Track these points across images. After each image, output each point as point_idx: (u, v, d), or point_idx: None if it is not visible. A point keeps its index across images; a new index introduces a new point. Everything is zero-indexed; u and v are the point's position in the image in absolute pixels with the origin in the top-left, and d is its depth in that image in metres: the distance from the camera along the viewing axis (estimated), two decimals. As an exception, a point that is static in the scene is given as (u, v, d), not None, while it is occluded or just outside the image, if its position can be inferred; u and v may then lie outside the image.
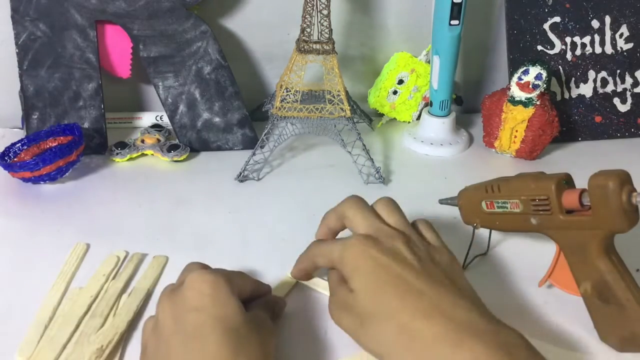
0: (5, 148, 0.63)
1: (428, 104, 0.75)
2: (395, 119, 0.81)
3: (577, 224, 0.42)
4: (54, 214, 0.57)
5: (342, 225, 0.45)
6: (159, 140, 0.69)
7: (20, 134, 0.69)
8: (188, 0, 0.66)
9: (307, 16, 0.61)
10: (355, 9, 0.76)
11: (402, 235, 0.41)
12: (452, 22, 0.66)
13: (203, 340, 0.34)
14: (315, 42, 0.63)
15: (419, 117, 0.78)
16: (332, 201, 0.47)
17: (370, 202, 0.45)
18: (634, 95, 0.77)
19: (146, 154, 0.69)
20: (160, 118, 0.75)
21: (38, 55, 0.65)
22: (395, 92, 0.78)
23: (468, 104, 0.84)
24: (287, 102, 0.63)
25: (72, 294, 0.46)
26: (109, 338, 0.42)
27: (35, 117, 0.67)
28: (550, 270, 0.47)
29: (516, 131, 0.69)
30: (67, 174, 0.62)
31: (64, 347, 0.41)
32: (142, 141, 0.69)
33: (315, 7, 0.61)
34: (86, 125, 0.68)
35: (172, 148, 0.68)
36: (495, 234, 0.54)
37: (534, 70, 0.66)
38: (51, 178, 0.61)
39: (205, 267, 0.40)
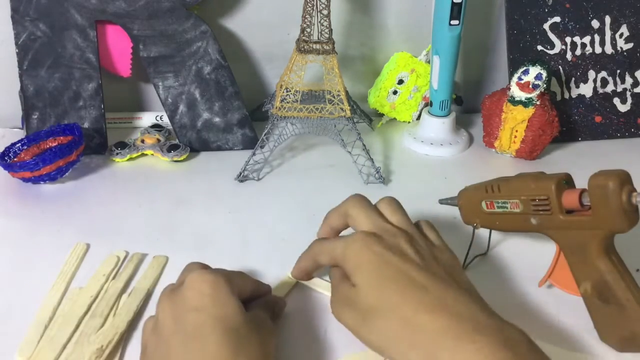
0: (5, 148, 0.63)
1: (428, 104, 0.75)
2: (395, 119, 0.81)
3: (577, 224, 0.42)
4: (54, 214, 0.57)
5: (345, 224, 0.45)
6: (159, 140, 0.69)
7: (20, 134, 0.69)
8: (188, 0, 0.66)
9: (307, 16, 0.61)
10: (355, 9, 0.76)
11: (405, 233, 0.41)
12: (452, 22, 0.66)
13: (203, 340, 0.34)
14: (315, 42, 0.63)
15: (419, 117, 0.78)
16: (332, 201, 0.47)
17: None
18: (634, 95, 0.77)
19: (146, 154, 0.69)
20: (160, 118, 0.75)
21: (38, 55, 0.65)
22: (395, 92, 0.78)
23: (468, 104, 0.84)
24: (287, 102, 0.63)
25: (72, 294, 0.46)
26: (109, 338, 0.42)
27: (35, 117, 0.67)
28: (550, 270, 0.47)
29: (516, 131, 0.69)
30: (67, 174, 0.62)
31: (64, 347, 0.41)
32: (142, 141, 0.69)
33: (315, 7, 0.61)
34: (86, 125, 0.68)
35: (172, 148, 0.68)
36: (495, 234, 0.54)
37: (534, 70, 0.66)
38: (51, 178, 0.61)
39: (205, 267, 0.40)
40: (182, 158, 0.68)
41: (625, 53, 0.76)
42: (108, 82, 0.70)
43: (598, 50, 0.76)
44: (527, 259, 0.52)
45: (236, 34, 0.75)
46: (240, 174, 0.64)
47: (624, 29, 0.76)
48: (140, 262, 0.51)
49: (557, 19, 0.75)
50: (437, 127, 0.74)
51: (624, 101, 0.77)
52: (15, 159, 0.63)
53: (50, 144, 0.65)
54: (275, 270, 0.50)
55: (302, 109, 0.64)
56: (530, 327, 0.36)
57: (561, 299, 0.47)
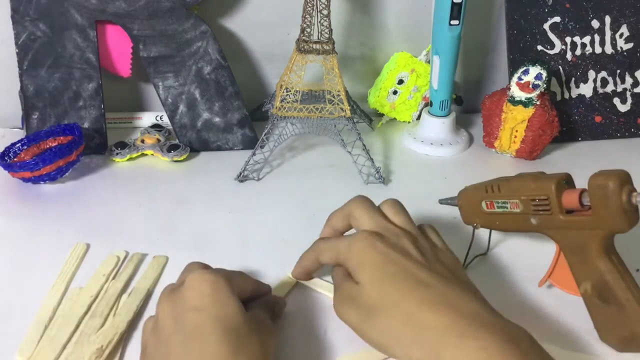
0: (5, 148, 0.63)
1: (428, 104, 0.75)
2: (395, 119, 0.81)
3: (577, 224, 0.42)
4: (54, 214, 0.57)
5: (348, 225, 0.45)
6: (159, 140, 0.69)
7: (20, 134, 0.69)
8: (188, 0, 0.66)
9: (307, 16, 0.61)
10: (355, 9, 0.76)
11: (408, 234, 0.41)
12: (452, 22, 0.66)
13: (203, 340, 0.34)
14: (315, 42, 0.63)
15: (419, 117, 0.78)
16: (332, 201, 0.47)
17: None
18: (634, 95, 0.77)
19: (146, 154, 0.69)
20: (160, 118, 0.75)
21: (38, 55, 0.65)
22: (395, 92, 0.78)
23: (468, 104, 0.84)
24: (287, 102, 0.63)
25: (72, 294, 0.46)
26: (109, 338, 0.42)
27: (35, 117, 0.67)
28: (550, 270, 0.47)
29: (516, 131, 0.69)
30: (67, 174, 0.62)
31: (64, 347, 0.41)
32: (142, 141, 0.69)
33: (315, 7, 0.61)
34: (86, 125, 0.68)
35: (172, 148, 0.68)
36: (495, 234, 0.54)
37: (534, 70, 0.66)
38: (51, 178, 0.61)
39: (205, 267, 0.40)
40: (182, 158, 0.68)
41: (625, 53, 0.76)
42: (108, 82, 0.70)
43: (598, 50, 0.76)
44: (527, 259, 0.52)
45: (236, 34, 0.75)
46: (240, 174, 0.64)
47: (624, 29, 0.76)
48: (140, 262, 0.51)
49: (557, 19, 0.75)
50: (437, 127, 0.74)
51: (624, 101, 0.77)
52: (15, 159, 0.63)
53: (50, 144, 0.65)
54: (275, 270, 0.50)
55: (302, 109, 0.64)
56: (530, 327, 0.36)
57: (561, 299, 0.47)
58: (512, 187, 0.46)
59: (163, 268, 0.50)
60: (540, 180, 0.44)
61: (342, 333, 0.42)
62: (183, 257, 0.48)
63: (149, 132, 0.71)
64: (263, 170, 0.66)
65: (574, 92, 0.76)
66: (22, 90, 0.66)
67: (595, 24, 0.76)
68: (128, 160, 0.67)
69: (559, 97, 0.76)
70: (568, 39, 0.75)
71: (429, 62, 0.76)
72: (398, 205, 0.44)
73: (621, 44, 0.76)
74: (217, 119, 0.70)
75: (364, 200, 0.44)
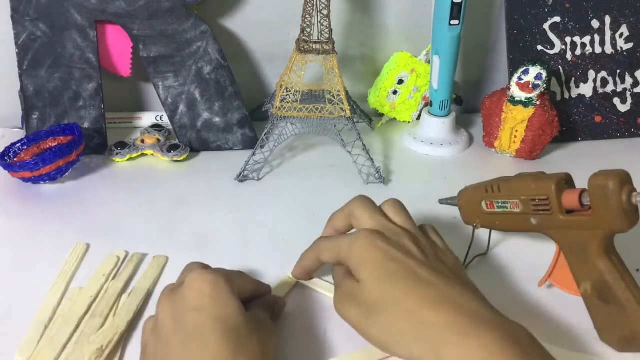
0: (5, 148, 0.63)
1: (428, 104, 0.75)
2: (395, 119, 0.81)
3: (577, 224, 0.42)
4: (54, 214, 0.57)
5: (349, 225, 0.45)
6: (159, 140, 0.69)
7: (20, 134, 0.69)
8: (188, 0, 0.66)
9: (307, 16, 0.61)
10: (355, 9, 0.76)
11: (409, 233, 0.42)
12: (452, 22, 0.66)
13: (203, 340, 0.34)
14: (315, 42, 0.63)
15: (419, 117, 0.78)
16: (332, 201, 0.47)
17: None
18: (634, 95, 0.77)
19: (146, 154, 0.69)
20: (160, 118, 0.75)
21: (38, 55, 0.65)
22: (395, 92, 0.78)
23: (468, 104, 0.84)
24: (287, 102, 0.63)
25: (72, 294, 0.46)
26: (109, 338, 0.42)
27: (35, 117, 0.67)
28: (550, 270, 0.47)
29: (516, 131, 0.69)
30: (67, 174, 0.62)
31: (64, 347, 0.41)
32: (142, 141, 0.69)
33: (315, 7, 0.61)
34: (86, 125, 0.68)
35: (172, 148, 0.68)
36: (495, 234, 0.54)
37: (534, 70, 0.66)
38: (51, 178, 0.61)
39: (205, 267, 0.40)
40: (182, 158, 0.68)
41: (625, 53, 0.76)
42: (108, 82, 0.70)
43: (598, 50, 0.76)
44: (527, 259, 0.52)
45: (236, 34, 0.75)
46: (240, 174, 0.64)
47: (624, 29, 0.76)
48: (140, 262, 0.51)
49: (557, 19, 0.75)
50: (437, 127, 0.74)
51: (624, 101, 0.77)
52: (15, 159, 0.63)
53: (50, 144, 0.65)
54: (275, 270, 0.50)
55: (302, 109, 0.64)
56: (530, 327, 0.36)
57: (561, 299, 0.47)
58: (512, 187, 0.46)
59: (163, 268, 0.50)
60: (540, 180, 0.44)
61: (342, 333, 0.42)
62: (183, 257, 0.48)
63: (149, 132, 0.71)
64: (263, 170, 0.66)
65: (574, 92, 0.76)
66: (22, 90, 0.66)
67: (595, 24, 0.76)
68: (128, 160, 0.67)
69: (559, 97, 0.76)
70: (568, 39, 0.75)
71: (429, 62, 0.76)
72: (399, 205, 0.45)
73: (621, 44, 0.76)
74: (217, 119, 0.70)
75: (365, 200, 0.44)
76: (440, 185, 0.65)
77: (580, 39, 0.75)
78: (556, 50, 0.75)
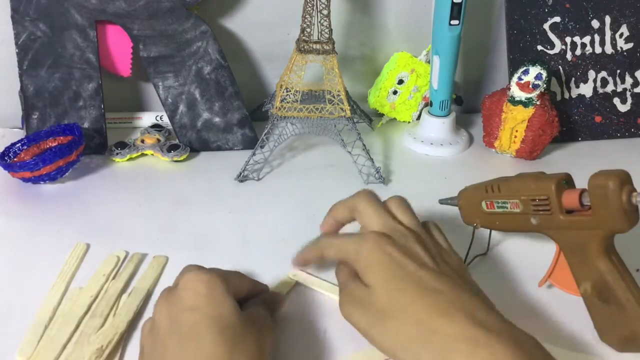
0: (5, 148, 0.63)
1: (428, 104, 0.75)
2: (395, 119, 0.81)
3: (577, 224, 0.42)
4: (54, 214, 0.57)
5: (351, 218, 0.44)
6: (159, 140, 0.69)
7: (20, 134, 0.69)
8: (188, 0, 0.66)
9: (307, 16, 0.61)
10: (355, 9, 0.76)
11: (416, 235, 0.41)
12: (452, 22, 0.66)
13: (198, 339, 0.34)
14: (315, 42, 0.63)
15: (419, 117, 0.78)
16: (332, 201, 0.47)
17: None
18: (634, 95, 0.77)
19: (146, 154, 0.69)
20: (160, 118, 0.75)
21: (38, 55, 0.65)
22: (395, 92, 0.78)
23: (468, 104, 0.84)
24: (287, 102, 0.63)
25: (72, 294, 0.46)
26: (109, 338, 0.42)
27: (35, 117, 0.67)
28: (550, 270, 0.47)
29: (516, 131, 0.69)
30: (67, 174, 0.62)
31: (64, 347, 0.41)
32: (142, 141, 0.69)
33: (315, 7, 0.61)
34: (86, 125, 0.68)
35: (172, 148, 0.68)
36: (495, 234, 0.54)
37: (534, 70, 0.66)
38: (51, 178, 0.61)
39: (201, 268, 0.40)
40: (182, 158, 0.68)
41: (625, 53, 0.76)
42: (108, 82, 0.70)
43: (598, 50, 0.76)
44: (527, 259, 0.52)
45: (236, 34, 0.75)
46: (240, 174, 0.64)
47: (624, 29, 0.76)
48: (140, 262, 0.51)
49: (557, 19, 0.75)
50: (437, 127, 0.74)
51: (624, 101, 0.77)
52: (15, 159, 0.63)
53: (50, 144, 0.65)
54: (275, 270, 0.50)
55: (302, 109, 0.64)
56: (530, 327, 0.35)
57: (561, 299, 0.47)
58: (512, 187, 0.46)
59: (163, 268, 0.50)
60: (540, 180, 0.44)
61: (342, 333, 0.42)
62: (183, 257, 0.48)
63: (149, 132, 0.71)
64: (263, 170, 0.66)
65: (574, 92, 0.76)
66: (22, 90, 0.66)
67: (595, 24, 0.76)
68: (128, 160, 0.67)
69: (559, 97, 0.76)
70: (568, 39, 0.75)
71: (429, 62, 0.76)
72: (405, 203, 0.44)
73: (621, 44, 0.76)
74: (217, 119, 0.70)
75: (370, 195, 0.44)
76: (440, 185, 0.65)
77: (580, 39, 0.75)
78: (556, 50, 0.75)
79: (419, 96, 0.79)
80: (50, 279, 0.48)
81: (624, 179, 0.39)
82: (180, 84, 0.69)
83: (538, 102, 0.67)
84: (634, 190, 0.39)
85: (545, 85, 0.66)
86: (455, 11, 0.66)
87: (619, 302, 0.41)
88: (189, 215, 0.58)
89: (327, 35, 0.62)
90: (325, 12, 0.61)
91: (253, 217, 0.58)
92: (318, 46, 0.63)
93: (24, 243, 0.53)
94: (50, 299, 0.46)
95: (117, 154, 0.67)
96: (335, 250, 0.42)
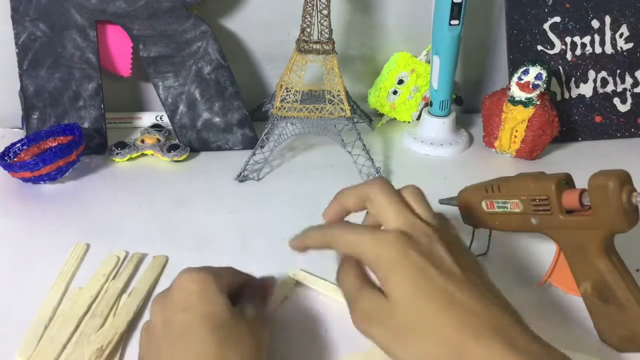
0: (5, 148, 0.63)
1: (428, 104, 0.75)
2: (395, 119, 0.81)
3: (577, 224, 0.42)
4: (54, 214, 0.57)
5: (362, 208, 0.40)
6: (159, 140, 0.69)
7: (20, 134, 0.69)
8: (188, 0, 0.66)
9: (307, 16, 0.61)
10: (355, 9, 0.76)
11: (438, 233, 0.37)
12: (452, 22, 0.66)
13: (189, 339, 0.34)
14: (315, 42, 0.63)
15: (419, 117, 0.78)
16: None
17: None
18: (634, 95, 0.77)
19: (146, 154, 0.69)
20: (160, 118, 0.75)
21: (38, 55, 0.65)
22: (395, 92, 0.78)
23: (468, 104, 0.84)
24: (287, 102, 0.63)
25: (72, 294, 0.46)
26: (109, 338, 0.42)
27: (35, 117, 0.67)
28: (550, 270, 0.47)
29: (516, 131, 0.69)
30: (67, 174, 0.62)
31: (64, 347, 0.41)
32: (142, 141, 0.69)
33: (315, 7, 0.61)
34: (86, 125, 0.68)
35: (172, 148, 0.68)
36: (495, 234, 0.54)
37: (534, 70, 0.66)
38: (51, 178, 0.61)
39: (194, 268, 0.39)
40: (182, 158, 0.68)
41: (625, 53, 0.76)
42: (108, 82, 0.70)
43: (598, 50, 0.76)
44: (527, 259, 0.52)
45: (236, 34, 0.75)
46: (240, 174, 0.64)
47: (624, 29, 0.76)
48: (140, 262, 0.51)
49: (557, 19, 0.75)
50: (437, 127, 0.74)
51: (624, 101, 0.77)
52: (15, 159, 0.63)
53: (50, 144, 0.65)
54: (275, 270, 0.49)
55: (302, 109, 0.64)
56: (530, 327, 0.35)
57: (561, 299, 0.47)
58: (512, 187, 0.46)
59: (163, 268, 0.50)
60: (540, 180, 0.44)
61: (342, 333, 0.42)
62: (183, 257, 0.48)
63: (149, 132, 0.71)
64: (263, 170, 0.66)
65: (574, 92, 0.76)
66: (22, 90, 0.66)
67: (595, 24, 0.76)
68: (128, 160, 0.67)
69: (559, 97, 0.76)
70: (568, 39, 0.75)
71: (429, 62, 0.76)
72: (421, 194, 0.40)
73: (621, 44, 0.76)
74: (217, 119, 0.70)
75: (387, 186, 0.39)
76: (440, 185, 0.64)
77: (580, 39, 0.75)
78: (556, 50, 0.75)
79: (419, 96, 0.79)
80: (50, 279, 0.48)
81: (624, 179, 0.39)
82: (180, 84, 0.69)
83: (538, 102, 0.67)
84: (634, 190, 0.39)
85: (545, 85, 0.66)
86: (455, 11, 0.66)
87: (619, 302, 0.41)
88: (189, 215, 0.58)
89: (327, 35, 0.62)
90: (325, 12, 0.61)
91: (253, 217, 0.58)
92: (318, 46, 0.63)
93: (24, 243, 0.53)
94: (50, 299, 0.46)
95: (117, 154, 0.67)
96: (349, 247, 0.37)
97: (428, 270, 0.34)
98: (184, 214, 0.58)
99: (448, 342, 0.32)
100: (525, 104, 0.67)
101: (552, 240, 0.45)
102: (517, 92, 0.67)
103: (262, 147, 0.65)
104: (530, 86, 0.66)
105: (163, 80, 0.69)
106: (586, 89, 0.76)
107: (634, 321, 0.40)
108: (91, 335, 0.42)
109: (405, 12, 0.77)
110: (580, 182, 0.43)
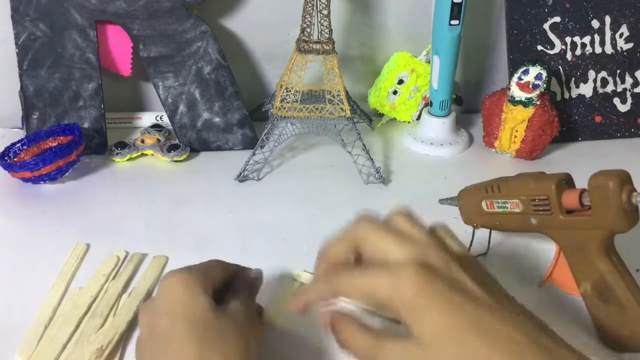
0: (5, 148, 0.63)
1: (428, 104, 0.75)
2: (395, 119, 0.81)
3: (577, 224, 0.42)
4: (54, 214, 0.57)
5: (356, 253, 0.36)
6: (159, 140, 0.69)
7: (20, 134, 0.69)
8: (188, 0, 0.66)
9: (307, 16, 0.61)
10: (355, 9, 0.76)
11: (446, 252, 0.34)
12: (452, 22, 0.66)
13: (169, 340, 0.34)
14: (315, 42, 0.63)
15: (419, 117, 0.78)
16: (332, 201, 0.47)
17: (370, 202, 0.44)
18: (634, 95, 0.77)
19: (146, 154, 0.69)
20: (160, 118, 0.75)
21: (38, 55, 0.65)
22: (395, 92, 0.78)
23: (468, 104, 0.84)
24: (287, 102, 0.63)
25: (72, 294, 0.46)
26: (109, 338, 0.42)
27: (35, 117, 0.67)
28: (550, 270, 0.47)
29: (516, 131, 0.69)
30: (67, 174, 0.62)
31: (64, 347, 0.41)
32: (142, 141, 0.69)
33: (315, 7, 0.61)
34: (86, 125, 0.68)
35: (172, 148, 0.68)
36: (495, 234, 0.54)
37: (534, 70, 0.66)
38: (51, 178, 0.61)
39: (178, 270, 0.39)
40: (182, 158, 0.68)
41: (625, 53, 0.76)
42: (108, 82, 0.70)
43: (598, 50, 0.76)
44: (527, 259, 0.52)
45: (236, 34, 0.75)
46: (240, 174, 0.64)
47: (624, 29, 0.76)
48: (140, 262, 0.51)
49: (557, 19, 0.75)
50: (437, 127, 0.74)
51: (624, 101, 0.77)
52: (15, 159, 0.63)
53: (50, 144, 0.65)
54: (275, 270, 0.50)
55: (302, 109, 0.64)
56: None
57: (561, 299, 0.47)
58: (512, 187, 0.46)
59: (163, 268, 0.50)
60: (540, 180, 0.44)
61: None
62: (183, 257, 0.48)
63: (149, 132, 0.71)
64: (263, 170, 0.66)
65: (574, 92, 0.76)
66: (22, 90, 0.66)
67: (595, 24, 0.76)
68: (128, 160, 0.67)
69: (559, 97, 0.76)
70: (568, 39, 0.75)
71: (429, 62, 0.76)
72: (411, 215, 0.36)
73: (621, 44, 0.76)
74: (217, 119, 0.70)
75: (373, 219, 0.36)
76: (440, 185, 0.65)
77: (580, 39, 0.75)
78: (556, 50, 0.75)
79: (419, 96, 0.79)
80: (50, 279, 0.48)
81: (624, 179, 0.39)
82: (180, 84, 0.69)
83: (538, 102, 0.67)
84: (634, 190, 0.39)
85: (545, 85, 0.66)
86: (455, 11, 0.66)
87: (619, 302, 0.41)
88: (189, 215, 0.58)
89: (327, 35, 0.62)
90: (325, 12, 0.61)
91: (253, 217, 0.58)
92: (318, 46, 0.63)
93: (24, 243, 0.53)
94: (50, 299, 0.46)
95: (117, 154, 0.67)
96: (360, 289, 0.33)
97: (454, 298, 0.31)
98: (184, 214, 0.58)
99: None
100: (525, 104, 0.67)
101: (552, 240, 0.45)
102: (517, 92, 0.67)
103: (262, 147, 0.65)
104: (530, 86, 0.66)
105: (163, 80, 0.69)
106: (586, 89, 0.76)
107: (634, 321, 0.40)
108: (91, 335, 0.42)
109: (405, 12, 0.77)
110: (580, 182, 0.43)
